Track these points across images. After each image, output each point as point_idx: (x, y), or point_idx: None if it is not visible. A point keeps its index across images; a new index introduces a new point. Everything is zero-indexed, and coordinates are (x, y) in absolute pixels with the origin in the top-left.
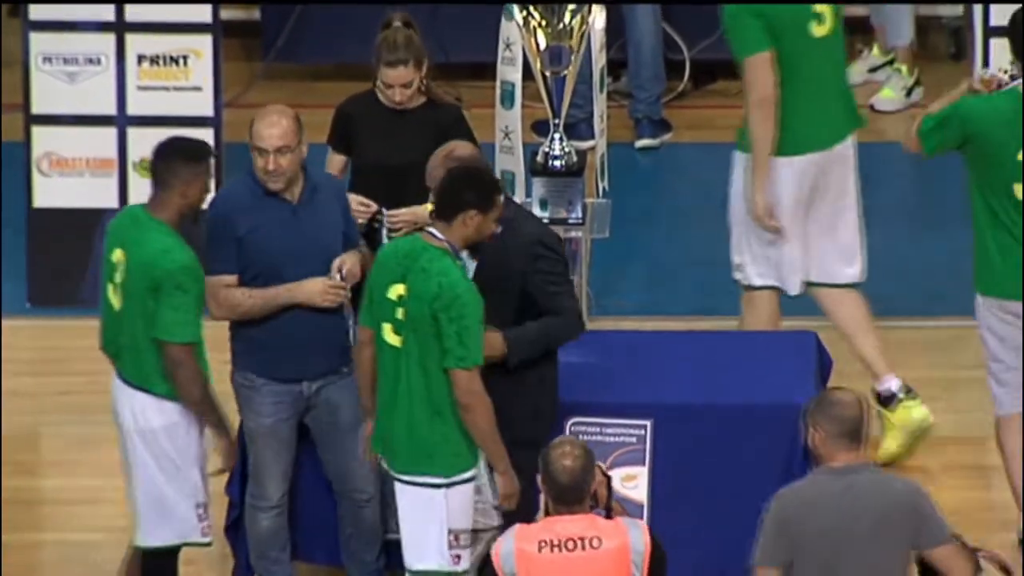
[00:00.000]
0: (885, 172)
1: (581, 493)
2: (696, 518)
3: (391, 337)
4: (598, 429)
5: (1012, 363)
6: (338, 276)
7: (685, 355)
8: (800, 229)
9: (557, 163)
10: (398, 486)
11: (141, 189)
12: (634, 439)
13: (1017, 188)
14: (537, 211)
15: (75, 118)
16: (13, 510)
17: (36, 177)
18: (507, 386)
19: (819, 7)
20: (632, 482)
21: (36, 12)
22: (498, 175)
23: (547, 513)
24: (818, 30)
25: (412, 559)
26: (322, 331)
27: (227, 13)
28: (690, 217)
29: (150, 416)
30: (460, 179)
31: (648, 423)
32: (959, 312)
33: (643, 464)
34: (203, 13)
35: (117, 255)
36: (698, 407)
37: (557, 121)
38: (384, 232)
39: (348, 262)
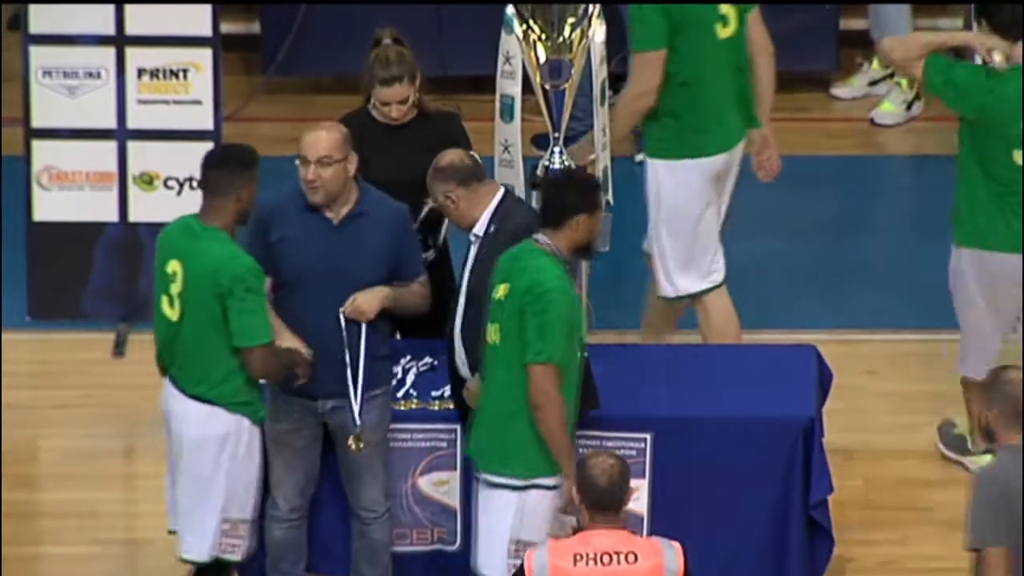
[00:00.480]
0: (886, 185)
1: (617, 499)
2: (696, 531)
3: (492, 336)
4: (598, 442)
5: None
6: (341, 314)
7: (685, 368)
8: (711, 229)
9: None
10: (479, 485)
11: (141, 202)
12: (634, 452)
13: (1017, 155)
14: None
15: (75, 132)
16: (12, 523)
17: (36, 191)
18: None
19: (725, 8)
20: (632, 495)
21: (36, 26)
22: None
23: (581, 529)
24: (723, 32)
25: (476, 562)
26: (331, 354)
27: (227, 27)
28: None
29: (204, 425)
30: (562, 185)
31: (648, 436)
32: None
33: (643, 477)
34: (203, 27)
35: (172, 266)
36: (698, 420)
37: (557, 135)
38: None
39: (359, 300)
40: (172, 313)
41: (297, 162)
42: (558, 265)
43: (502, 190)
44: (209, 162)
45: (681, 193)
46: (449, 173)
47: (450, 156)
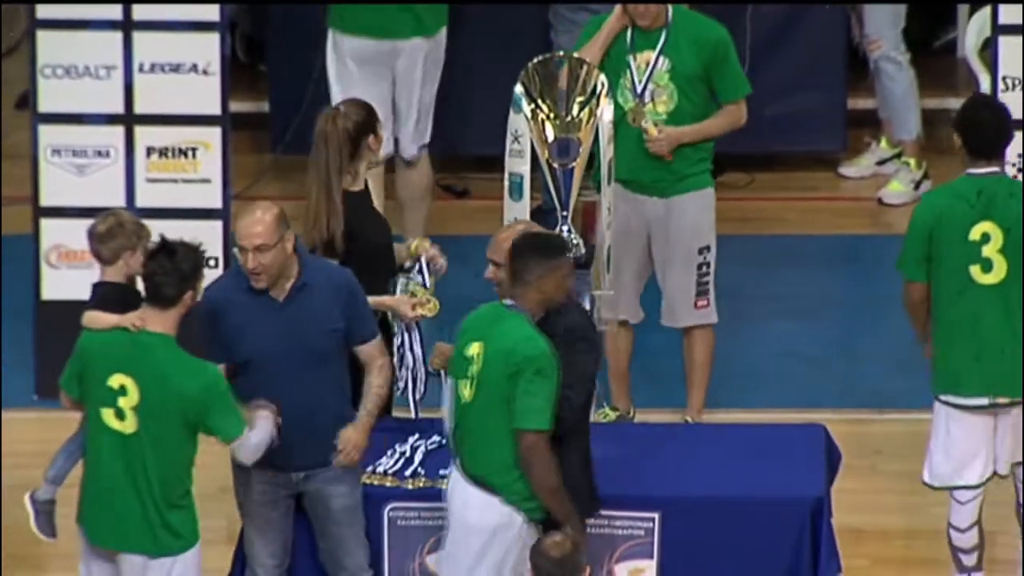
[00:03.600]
0: (894, 264)
1: (572, 573)
2: None
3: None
4: (606, 521)
5: None
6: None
7: (693, 448)
8: None
9: None
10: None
11: None
12: (642, 532)
13: None
14: None
15: (84, 210)
16: None
17: (45, 269)
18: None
19: None
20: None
21: (45, 105)
22: None
23: None
24: None
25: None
26: (306, 428)
27: (236, 105)
28: None
29: (481, 512)
30: None
31: (656, 516)
32: None
33: (651, 557)
34: (212, 105)
35: (474, 348)
36: (706, 500)
37: (565, 213)
38: (424, 273)
39: (352, 441)
40: (467, 394)
41: (235, 250)
42: None
43: None
44: (514, 249)
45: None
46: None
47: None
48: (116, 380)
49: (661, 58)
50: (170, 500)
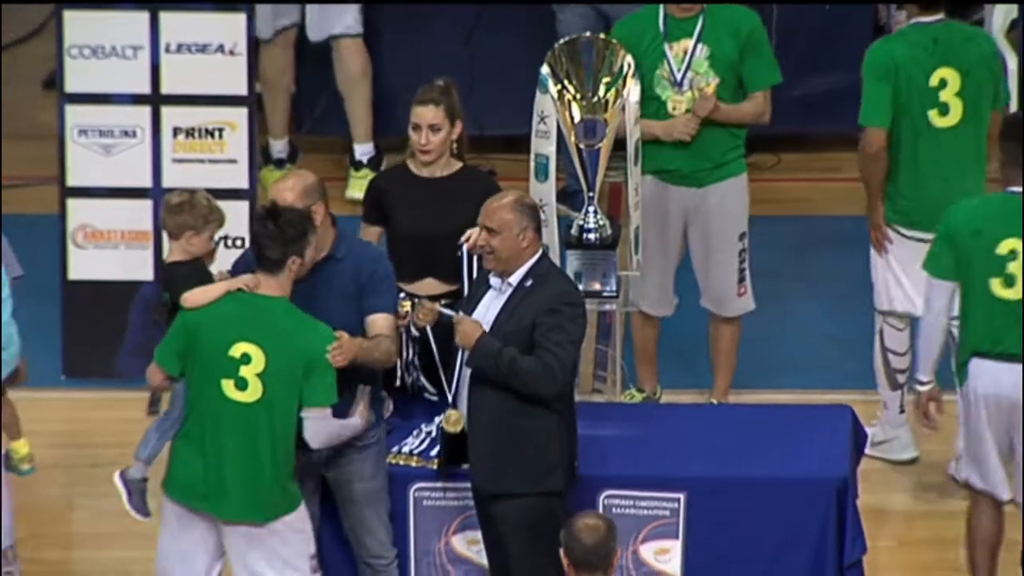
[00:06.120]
0: None
1: (603, 559)
2: None
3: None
4: (631, 502)
5: None
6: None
7: (719, 428)
8: None
9: (591, 236)
10: None
11: None
12: (667, 512)
13: None
14: None
15: (110, 190)
16: None
17: (71, 249)
18: (509, 438)
19: None
20: (665, 555)
21: (72, 85)
22: None
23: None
24: None
25: None
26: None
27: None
28: None
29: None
30: None
31: (682, 496)
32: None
33: (676, 537)
34: (238, 86)
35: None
36: (732, 480)
37: (592, 194)
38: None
39: (341, 341)
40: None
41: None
42: None
43: (542, 249)
44: (1009, 128)
45: None
46: (535, 214)
47: (531, 199)
48: (238, 349)
49: (699, 45)
50: (284, 463)
